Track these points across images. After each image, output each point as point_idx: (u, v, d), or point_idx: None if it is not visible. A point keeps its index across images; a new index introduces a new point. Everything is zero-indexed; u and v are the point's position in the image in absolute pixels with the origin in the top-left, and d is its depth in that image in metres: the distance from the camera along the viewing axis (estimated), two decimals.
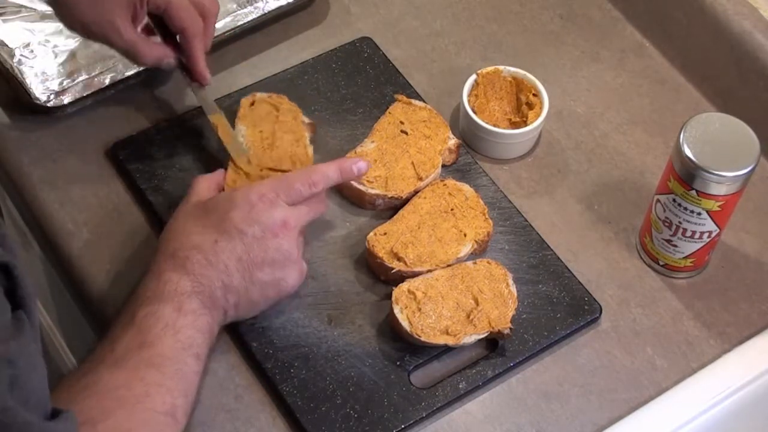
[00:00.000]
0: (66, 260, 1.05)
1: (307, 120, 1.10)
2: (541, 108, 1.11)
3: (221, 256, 0.92)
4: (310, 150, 1.08)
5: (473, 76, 1.12)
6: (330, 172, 0.99)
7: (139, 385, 0.85)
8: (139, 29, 1.06)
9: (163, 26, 1.07)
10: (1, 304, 0.72)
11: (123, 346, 0.87)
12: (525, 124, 1.11)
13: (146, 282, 0.92)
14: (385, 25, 1.23)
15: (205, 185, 1.00)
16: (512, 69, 1.14)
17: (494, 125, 1.11)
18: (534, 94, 1.12)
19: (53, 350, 1.49)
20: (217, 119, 1.07)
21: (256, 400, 0.96)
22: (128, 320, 0.89)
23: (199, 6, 1.06)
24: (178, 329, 0.89)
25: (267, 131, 1.07)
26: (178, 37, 1.07)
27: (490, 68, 1.13)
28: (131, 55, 1.05)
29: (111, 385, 0.85)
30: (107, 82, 1.13)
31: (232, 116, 1.09)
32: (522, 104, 1.13)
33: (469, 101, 1.11)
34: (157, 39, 1.08)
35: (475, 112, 1.11)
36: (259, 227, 0.94)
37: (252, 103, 1.10)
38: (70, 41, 1.16)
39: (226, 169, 1.04)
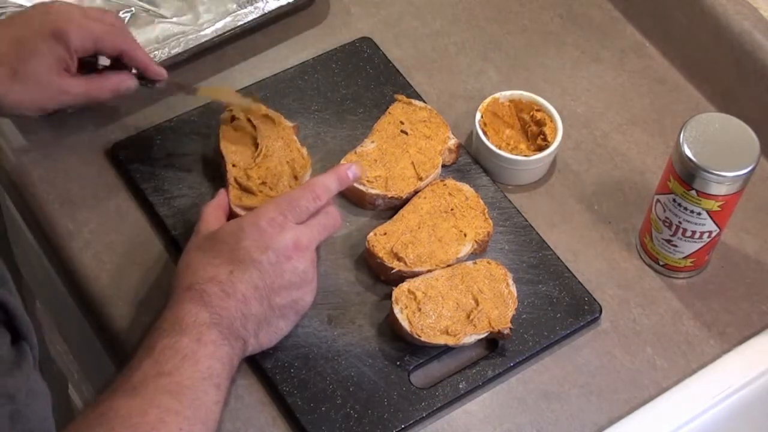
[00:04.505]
0: (66, 260, 1.05)
1: (289, 123, 1.09)
2: (553, 122, 1.10)
3: (238, 286, 0.92)
4: (304, 151, 1.07)
5: (478, 115, 1.11)
6: (329, 182, 0.99)
7: (154, 412, 0.83)
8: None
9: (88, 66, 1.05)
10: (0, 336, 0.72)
11: (140, 376, 0.86)
12: (544, 140, 1.10)
13: (165, 315, 0.91)
14: (385, 25, 1.23)
15: (213, 213, 0.99)
16: (507, 93, 1.13)
17: (515, 153, 1.09)
18: (537, 110, 1.12)
19: (54, 351, 1.49)
20: (207, 91, 1.09)
21: (256, 400, 0.96)
22: (146, 352, 0.88)
23: (113, 25, 1.05)
24: (198, 359, 0.87)
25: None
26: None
27: (488, 99, 1.12)
28: (91, 100, 1.04)
29: (125, 412, 0.83)
30: None
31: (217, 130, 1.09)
32: (528, 124, 1.12)
33: (485, 133, 1.09)
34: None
35: (498, 147, 1.09)
36: (273, 253, 0.93)
37: (232, 119, 1.09)
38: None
39: (225, 180, 1.04)
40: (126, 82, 1.05)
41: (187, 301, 0.91)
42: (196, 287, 0.91)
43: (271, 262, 0.93)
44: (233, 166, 1.05)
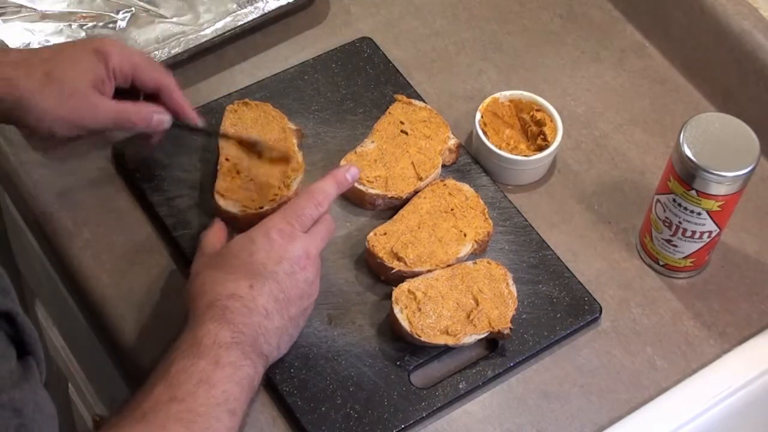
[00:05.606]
0: (66, 260, 1.05)
1: (293, 126, 1.09)
2: (553, 122, 1.10)
3: (259, 300, 0.91)
4: (300, 156, 1.07)
5: (478, 115, 1.11)
6: (328, 187, 0.98)
7: None
8: None
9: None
10: (6, 351, 0.72)
11: (152, 401, 0.84)
12: (544, 140, 1.10)
13: (184, 335, 0.89)
14: (385, 25, 1.23)
15: (213, 238, 0.99)
16: (507, 93, 1.13)
17: (515, 153, 1.09)
18: (537, 110, 1.12)
19: (54, 352, 1.49)
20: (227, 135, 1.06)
21: (256, 400, 0.96)
22: (161, 374, 0.86)
23: (153, 60, 1.04)
24: (213, 384, 0.85)
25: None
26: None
27: (488, 99, 1.11)
28: (119, 124, 1.00)
29: None
30: None
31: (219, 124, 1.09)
32: (528, 124, 1.12)
33: (485, 133, 1.09)
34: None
35: (498, 147, 1.09)
36: (288, 263, 0.93)
37: (235, 112, 1.09)
38: (70, 42, 1.16)
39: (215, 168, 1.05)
40: (159, 114, 1.01)
41: (208, 320, 0.89)
42: (217, 304, 0.90)
43: (286, 273, 0.93)
44: (226, 160, 1.05)
